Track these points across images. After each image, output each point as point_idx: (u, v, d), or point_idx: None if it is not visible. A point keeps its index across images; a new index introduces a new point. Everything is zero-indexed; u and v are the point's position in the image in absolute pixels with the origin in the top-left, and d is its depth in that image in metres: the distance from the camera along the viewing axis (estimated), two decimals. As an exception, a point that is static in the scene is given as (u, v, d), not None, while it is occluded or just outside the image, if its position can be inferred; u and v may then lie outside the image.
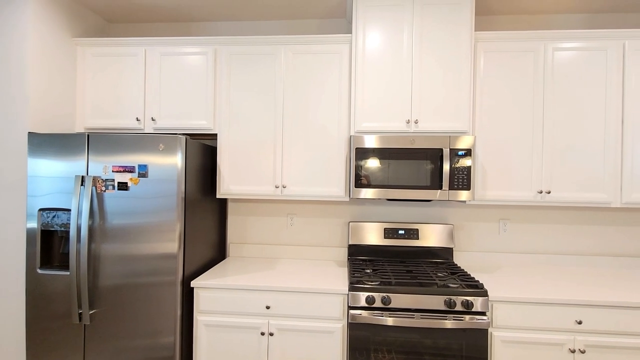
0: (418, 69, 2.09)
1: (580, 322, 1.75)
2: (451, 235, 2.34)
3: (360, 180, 2.05)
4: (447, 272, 2.05)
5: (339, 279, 2.02)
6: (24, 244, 2.00)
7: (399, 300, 1.79)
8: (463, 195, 2.00)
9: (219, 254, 2.46)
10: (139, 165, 1.87)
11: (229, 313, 1.91)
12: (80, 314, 1.87)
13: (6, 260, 2.02)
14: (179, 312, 1.87)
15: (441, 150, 2.01)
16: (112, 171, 1.88)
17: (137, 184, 1.87)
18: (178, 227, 1.87)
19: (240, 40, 2.22)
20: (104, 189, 1.88)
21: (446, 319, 1.75)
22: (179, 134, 1.89)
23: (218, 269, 2.20)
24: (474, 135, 2.10)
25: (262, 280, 1.96)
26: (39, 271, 1.92)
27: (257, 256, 2.54)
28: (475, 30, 2.43)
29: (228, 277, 2.01)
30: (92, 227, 1.89)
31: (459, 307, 1.76)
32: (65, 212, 1.92)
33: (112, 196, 1.88)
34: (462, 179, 2.00)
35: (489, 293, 1.79)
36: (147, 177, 1.87)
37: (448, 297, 1.77)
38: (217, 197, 2.25)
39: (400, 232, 2.36)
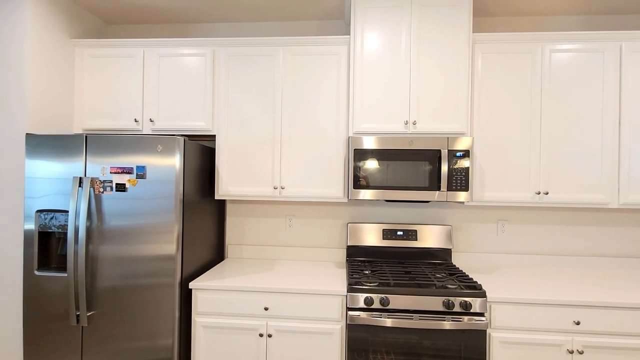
0: (416, 70, 2.09)
1: (578, 323, 1.75)
2: (449, 236, 2.35)
3: (359, 181, 2.05)
4: (445, 273, 2.05)
5: (338, 280, 2.02)
6: (21, 245, 1.99)
7: (398, 301, 1.79)
8: (461, 196, 2.00)
9: (218, 255, 2.46)
10: (137, 167, 1.86)
11: (227, 314, 1.91)
12: (77, 315, 1.87)
13: (3, 261, 2.01)
14: (177, 314, 1.86)
15: (439, 151, 2.02)
16: (110, 172, 1.88)
17: (135, 185, 1.86)
18: (176, 229, 1.87)
19: (239, 41, 2.22)
20: (101, 190, 1.88)
21: (444, 320, 1.75)
22: (178, 135, 1.89)
23: (216, 270, 2.20)
24: (472, 136, 2.10)
25: (260, 282, 1.96)
26: (37, 273, 1.91)
27: (256, 257, 2.54)
28: (473, 32, 2.43)
29: (226, 279, 2.00)
30: (89, 229, 1.88)
31: (457, 308, 1.76)
32: (63, 213, 1.91)
33: (110, 197, 1.88)
34: (460, 180, 2.00)
35: (487, 294, 1.79)
36: (145, 178, 1.86)
37: (446, 298, 1.77)
38: (216, 198, 2.25)
39: (399, 233, 2.36)
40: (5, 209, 2.01)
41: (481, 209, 2.45)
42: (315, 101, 2.19)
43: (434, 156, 2.02)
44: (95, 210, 1.88)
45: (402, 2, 2.09)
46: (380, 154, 2.04)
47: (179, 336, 1.88)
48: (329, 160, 2.19)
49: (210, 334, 1.91)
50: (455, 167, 2.01)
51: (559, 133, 2.10)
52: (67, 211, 1.90)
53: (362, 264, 2.27)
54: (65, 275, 1.90)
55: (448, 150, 2.01)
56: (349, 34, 2.41)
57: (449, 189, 2.01)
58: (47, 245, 1.98)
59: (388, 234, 2.36)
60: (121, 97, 2.28)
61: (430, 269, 2.13)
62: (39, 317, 1.91)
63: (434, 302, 1.78)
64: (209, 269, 2.24)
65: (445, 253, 2.34)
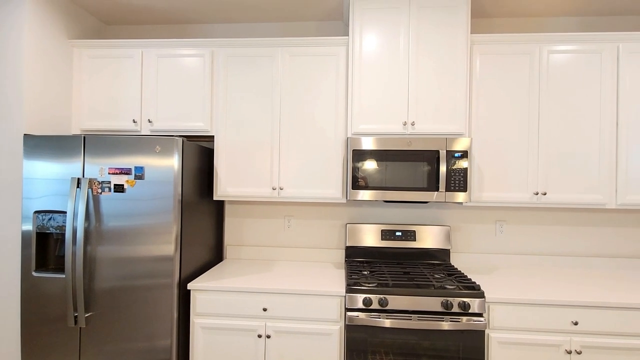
0: (414, 71, 2.10)
1: (576, 323, 1.76)
2: (448, 237, 2.35)
3: (358, 182, 2.06)
4: (444, 274, 2.06)
5: (336, 280, 2.02)
6: (19, 246, 1.99)
7: (396, 301, 1.79)
8: (460, 197, 2.01)
9: (216, 256, 2.46)
10: (136, 167, 1.86)
11: (225, 315, 1.91)
12: (75, 316, 1.86)
13: (1, 262, 2.00)
14: (175, 315, 1.86)
15: (438, 152, 2.02)
16: (109, 173, 1.87)
17: (134, 186, 1.86)
18: (174, 229, 1.86)
19: (237, 42, 2.22)
20: (100, 191, 1.88)
21: (443, 321, 1.75)
22: (176, 136, 1.89)
23: (215, 271, 2.19)
24: (470, 137, 2.11)
25: (259, 283, 1.95)
26: (34, 274, 1.91)
27: (254, 258, 2.53)
28: (471, 33, 2.44)
29: (225, 279, 2.00)
30: (88, 230, 1.88)
31: (455, 309, 1.76)
32: (61, 214, 1.91)
33: (108, 198, 1.87)
34: (458, 181, 2.01)
35: (485, 294, 1.80)
36: (143, 179, 1.86)
37: (445, 298, 1.77)
38: (214, 199, 2.24)
39: (398, 233, 2.36)
40: (3, 209, 2.00)
41: (479, 209, 2.45)
42: (313, 102, 2.20)
43: (432, 157, 2.03)
44: (93, 211, 1.88)
45: (401, 3, 2.10)
46: (378, 155, 2.05)
47: (177, 337, 1.88)
48: (327, 161, 2.19)
49: (209, 335, 1.91)
50: (454, 167, 2.01)
51: (557, 134, 2.11)
52: (65, 212, 1.90)
53: (360, 264, 2.27)
54: (63, 276, 1.89)
55: (446, 150, 2.02)
56: (348, 35, 2.42)
57: (448, 189, 2.01)
58: (45, 246, 1.97)
59: (387, 234, 2.37)
60: (119, 97, 2.27)
61: (429, 270, 2.14)
62: (37, 318, 1.90)
63: (433, 303, 1.78)
64: (207, 270, 2.24)
65: (444, 254, 2.35)
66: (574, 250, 2.40)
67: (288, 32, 2.58)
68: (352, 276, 1.97)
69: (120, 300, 1.87)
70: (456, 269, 2.18)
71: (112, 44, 2.27)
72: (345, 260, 2.39)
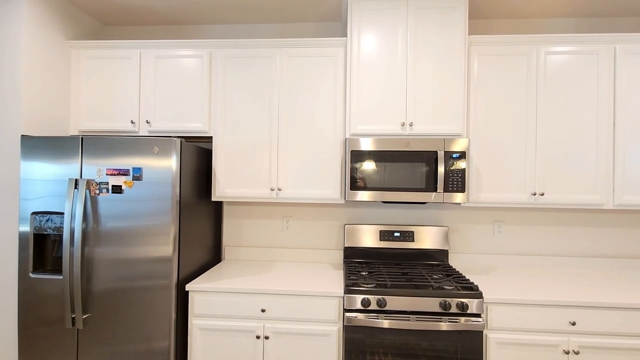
0: (413, 72, 2.10)
1: (574, 324, 1.76)
2: (446, 238, 2.35)
3: (356, 182, 2.06)
4: (442, 274, 2.06)
5: (335, 281, 2.02)
6: (16, 247, 1.98)
7: (395, 302, 1.79)
8: (458, 197, 2.01)
9: (214, 257, 2.45)
10: (134, 168, 1.86)
11: (224, 316, 1.90)
12: (73, 318, 1.86)
13: (-2, 264, 1.99)
14: (173, 316, 1.86)
15: (436, 152, 2.02)
16: (106, 174, 1.87)
17: (132, 187, 1.86)
18: (173, 230, 1.86)
19: (236, 43, 2.22)
20: (97, 192, 1.87)
21: (441, 321, 1.76)
22: (174, 137, 1.89)
23: (213, 272, 2.19)
24: (468, 137, 2.11)
25: (257, 284, 1.95)
26: (32, 275, 1.90)
27: (253, 259, 2.53)
28: (469, 34, 2.45)
29: (223, 280, 2.00)
30: (85, 231, 1.87)
31: (454, 309, 1.77)
32: (59, 215, 1.90)
33: (106, 199, 1.87)
34: (456, 182, 2.01)
35: (483, 295, 1.80)
36: (141, 180, 1.86)
37: (443, 299, 1.78)
38: (213, 200, 2.24)
39: (396, 234, 2.36)
40: (0, 211, 1.99)
41: (477, 210, 2.46)
42: (312, 103, 2.20)
43: (430, 157, 2.03)
44: (91, 212, 1.87)
45: (399, 4, 2.10)
46: (377, 156, 2.05)
47: (175, 339, 1.87)
48: (326, 162, 2.19)
49: (207, 336, 1.90)
50: (452, 168, 2.02)
51: (555, 134, 2.11)
52: (62, 213, 1.89)
53: (359, 265, 2.27)
54: (61, 277, 1.88)
55: (444, 151, 2.02)
56: (346, 36, 2.42)
57: (446, 190, 2.02)
58: (42, 248, 1.96)
59: (385, 235, 2.37)
60: (118, 98, 2.27)
61: (427, 270, 2.14)
62: (34, 320, 1.90)
63: (431, 303, 1.78)
64: (205, 271, 2.23)
65: (442, 254, 2.35)
66: (571, 250, 2.41)
67: (287, 33, 2.59)
68: (351, 277, 1.97)
69: (118, 302, 1.86)
70: (454, 269, 2.18)
71: (110, 44, 2.27)
72: (344, 261, 2.39)
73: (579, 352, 1.75)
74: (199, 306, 1.91)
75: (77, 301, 1.84)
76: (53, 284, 1.89)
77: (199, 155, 2.15)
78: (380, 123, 2.11)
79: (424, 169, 2.03)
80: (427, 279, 1.96)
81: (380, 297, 1.80)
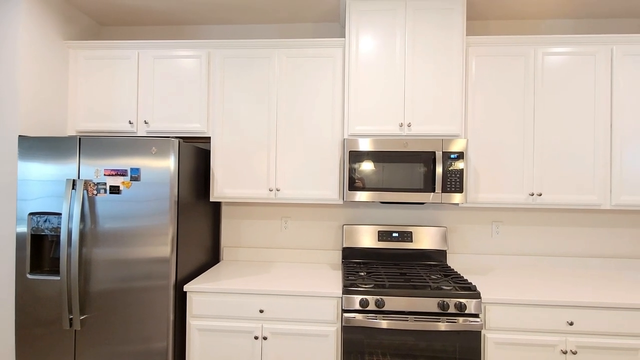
0: (411, 72, 2.11)
1: (571, 324, 1.77)
2: (444, 238, 2.36)
3: (354, 183, 2.06)
4: (440, 275, 2.06)
5: (333, 282, 2.02)
6: (13, 248, 1.97)
7: (393, 303, 1.79)
8: (456, 197, 2.02)
9: (213, 257, 2.45)
10: (132, 169, 1.85)
11: (222, 317, 1.90)
12: (70, 319, 1.85)
13: (-5, 265, 1.99)
14: (171, 317, 1.85)
15: (434, 153, 2.03)
16: (104, 175, 1.86)
17: (130, 188, 1.85)
18: (171, 231, 1.86)
19: (234, 43, 2.22)
20: (95, 192, 1.87)
21: (439, 322, 1.76)
22: (172, 137, 1.89)
23: (211, 272, 2.19)
24: (466, 138, 2.12)
25: (255, 284, 1.95)
26: (29, 276, 1.89)
27: (251, 260, 2.53)
28: (466, 35, 2.45)
29: (221, 281, 2.00)
30: (83, 231, 1.87)
31: (452, 310, 1.77)
32: (56, 216, 1.89)
33: (103, 200, 1.86)
34: (454, 182, 2.02)
35: (481, 295, 1.80)
36: (139, 180, 1.85)
37: (441, 299, 1.78)
38: (211, 200, 2.24)
39: (394, 234, 2.37)
40: (-3, 211, 1.99)
41: (476, 210, 2.46)
42: (310, 103, 2.20)
43: (428, 158, 2.03)
44: (88, 213, 1.87)
45: (397, 5, 2.11)
46: (375, 156, 2.05)
47: (173, 339, 1.87)
48: (324, 162, 2.19)
49: (205, 337, 1.90)
50: (450, 168, 2.02)
51: (552, 135, 2.12)
52: (60, 214, 1.89)
53: (357, 265, 2.27)
54: (58, 278, 1.88)
55: (442, 152, 2.02)
56: (344, 37, 2.43)
57: (444, 190, 2.02)
58: (39, 248, 1.96)
59: (383, 235, 2.37)
60: (115, 98, 2.27)
61: (426, 271, 2.14)
62: (32, 321, 1.89)
63: (429, 304, 1.78)
64: (204, 272, 2.23)
65: (440, 254, 2.35)
66: (569, 250, 2.42)
67: (285, 34, 2.59)
68: (349, 277, 1.97)
69: (115, 303, 1.86)
70: (452, 269, 2.19)
71: (108, 44, 2.26)
72: (342, 262, 2.39)
73: (576, 352, 1.76)
74: (197, 307, 1.91)
75: (75, 302, 1.83)
76: (50, 285, 1.88)
77: (197, 156, 2.15)
78: (378, 123, 2.12)
79: (422, 169, 2.03)
80: (425, 279, 1.96)
81: (378, 297, 1.80)
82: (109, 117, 2.27)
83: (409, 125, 2.10)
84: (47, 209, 1.89)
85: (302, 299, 1.87)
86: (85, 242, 1.87)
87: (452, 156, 2.02)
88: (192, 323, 1.91)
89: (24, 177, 1.90)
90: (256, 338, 1.87)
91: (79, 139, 1.89)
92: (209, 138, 2.32)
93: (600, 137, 2.10)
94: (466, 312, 1.76)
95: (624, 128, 2.09)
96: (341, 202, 2.19)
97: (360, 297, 1.81)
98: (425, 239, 2.36)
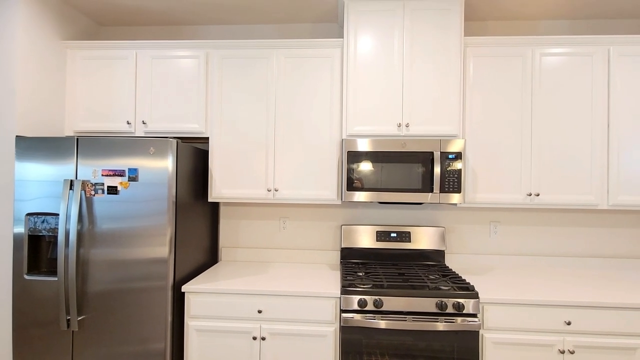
0: (409, 73, 2.11)
1: (569, 323, 1.77)
2: (443, 238, 2.36)
3: (353, 183, 2.06)
4: (438, 275, 2.06)
5: (332, 282, 2.02)
6: (10, 249, 1.96)
7: (391, 303, 1.80)
8: (454, 198, 2.02)
9: (211, 258, 2.45)
10: (129, 169, 1.85)
11: (220, 318, 1.90)
12: (68, 320, 1.84)
13: (-8, 266, 1.98)
14: (169, 318, 1.85)
15: (432, 153, 2.03)
16: (102, 175, 1.86)
17: (127, 188, 1.85)
18: (169, 231, 1.85)
19: (232, 44, 2.22)
20: (93, 193, 1.86)
21: (438, 322, 1.76)
22: (170, 138, 1.88)
23: (209, 273, 2.18)
24: (464, 138, 2.12)
25: (253, 284, 1.95)
26: (26, 277, 1.89)
27: (250, 260, 2.53)
28: (464, 35, 2.46)
29: (219, 282, 1.99)
30: (80, 232, 1.86)
31: (450, 310, 1.77)
32: (54, 216, 1.89)
33: (101, 200, 1.86)
34: (453, 182, 2.02)
35: (479, 295, 1.81)
36: (137, 180, 1.85)
37: (439, 299, 1.78)
38: (209, 200, 2.24)
39: (393, 235, 2.37)
40: (-6, 212, 1.98)
41: (474, 210, 2.46)
42: (309, 103, 2.20)
43: (426, 158, 2.04)
44: (86, 213, 1.86)
45: (395, 6, 2.11)
46: (373, 156, 2.05)
47: (171, 340, 1.86)
48: (322, 163, 2.19)
49: (203, 337, 1.90)
50: (448, 169, 2.02)
51: (550, 135, 2.13)
52: (57, 214, 1.88)
53: (355, 265, 2.27)
54: (56, 279, 1.87)
55: (441, 152, 2.03)
56: (342, 37, 2.43)
57: (442, 190, 2.02)
58: (37, 249, 1.95)
59: (382, 235, 2.37)
60: (113, 99, 2.26)
61: (424, 271, 2.14)
62: (29, 321, 1.88)
63: (427, 304, 1.78)
64: (202, 272, 2.22)
65: (439, 254, 2.36)
66: (567, 250, 2.42)
67: (283, 34, 2.59)
68: (347, 277, 1.97)
69: (113, 303, 1.85)
70: (451, 269, 2.19)
71: (105, 45, 2.26)
72: (341, 262, 2.39)
73: (574, 352, 1.76)
74: (195, 307, 1.90)
75: (72, 303, 1.83)
76: (48, 286, 1.88)
77: (195, 156, 2.15)
78: (376, 124, 2.12)
79: (420, 169, 2.04)
80: (423, 279, 1.96)
81: (376, 297, 1.80)
82: (106, 117, 2.26)
83: (407, 126, 2.11)
84: (44, 210, 1.89)
85: (300, 300, 1.87)
86: (82, 242, 1.86)
87: (450, 156, 2.02)
88: (190, 324, 1.90)
89: (21, 178, 1.89)
90: (254, 338, 1.87)
91: (77, 139, 1.88)
92: (207, 138, 2.31)
93: (598, 137, 2.11)
94: (464, 312, 1.76)
95: (620, 128, 2.10)
96: (339, 202, 2.19)
97: (358, 297, 1.81)
98: (423, 239, 2.36)
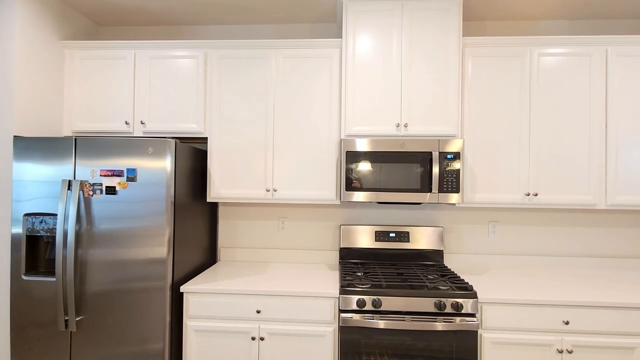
0: (407, 73, 2.11)
1: (567, 323, 1.77)
2: (441, 238, 2.36)
3: (351, 183, 2.06)
4: (437, 275, 2.07)
5: (330, 282, 2.02)
6: (8, 249, 1.96)
7: (390, 303, 1.80)
8: (452, 198, 2.02)
9: (210, 258, 2.44)
10: (128, 169, 1.85)
11: (219, 318, 1.90)
12: (66, 320, 1.84)
13: (-10, 266, 1.97)
14: (168, 318, 1.84)
15: (430, 153, 2.03)
16: (100, 175, 1.86)
17: (126, 188, 1.85)
18: (167, 232, 1.85)
19: (231, 44, 2.22)
20: (91, 193, 1.86)
21: (436, 321, 1.76)
22: (169, 138, 1.88)
23: (208, 273, 2.18)
24: (462, 138, 2.12)
25: (252, 285, 1.95)
26: (24, 277, 1.88)
27: (248, 260, 2.52)
28: (463, 36, 2.46)
29: (218, 282, 1.99)
30: (79, 232, 1.86)
31: (449, 309, 1.77)
32: (52, 217, 1.88)
33: (99, 200, 1.86)
34: (451, 182, 2.02)
35: (478, 295, 1.81)
36: (135, 181, 1.85)
37: (438, 299, 1.78)
38: (208, 200, 2.23)
39: (391, 235, 2.37)
40: (-8, 212, 1.97)
41: (472, 210, 2.47)
42: (307, 104, 2.20)
43: (425, 158, 2.04)
44: (84, 214, 1.86)
45: (393, 6, 2.11)
46: (372, 156, 2.06)
47: (170, 340, 1.86)
48: (321, 163, 2.19)
49: (202, 337, 1.89)
50: (447, 169, 2.03)
51: (548, 135, 2.13)
52: (55, 214, 1.88)
53: (354, 265, 2.27)
54: (54, 279, 1.87)
55: (439, 152, 2.03)
56: (341, 37, 2.43)
57: (441, 190, 2.03)
58: (35, 249, 1.95)
59: (380, 235, 2.37)
60: (112, 99, 2.26)
61: (422, 271, 2.15)
62: (27, 322, 1.88)
63: (426, 304, 1.78)
64: (200, 272, 2.22)
65: (437, 254, 2.36)
66: (565, 250, 2.43)
67: (282, 34, 2.59)
68: (346, 277, 1.97)
69: (111, 304, 1.85)
70: (449, 269, 2.19)
71: (104, 45, 2.25)
72: (340, 262, 2.39)
73: (572, 351, 1.77)
74: (193, 308, 1.90)
75: (70, 303, 1.82)
76: (46, 286, 1.87)
77: (194, 156, 2.15)
78: (375, 124, 2.12)
79: (418, 169, 2.04)
80: (422, 279, 1.96)
81: (375, 297, 1.80)
82: (105, 117, 2.26)
83: (405, 126, 2.11)
84: (42, 210, 1.88)
85: (299, 300, 1.87)
86: (81, 243, 1.86)
87: (449, 156, 2.03)
88: (188, 324, 1.90)
89: (19, 178, 1.89)
90: (253, 339, 1.86)
91: (75, 139, 1.88)
92: (205, 138, 2.31)
93: (596, 137, 2.11)
94: (463, 311, 1.77)
95: (618, 128, 2.10)
96: (338, 202, 2.19)
97: (357, 297, 1.81)
98: (422, 239, 2.36)
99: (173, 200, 1.88)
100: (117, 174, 1.85)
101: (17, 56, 1.99)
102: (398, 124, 2.11)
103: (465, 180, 2.15)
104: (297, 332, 1.86)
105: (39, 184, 1.88)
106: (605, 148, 2.11)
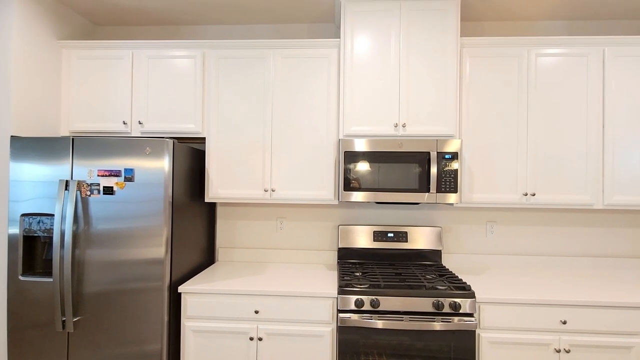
0: (405, 73, 2.11)
1: (565, 322, 1.78)
2: (439, 238, 2.36)
3: (350, 183, 2.06)
4: (435, 275, 2.07)
5: (329, 282, 2.02)
6: (5, 250, 1.95)
7: (388, 303, 1.80)
8: (450, 198, 2.03)
9: (208, 258, 2.44)
10: (125, 169, 1.84)
11: (217, 318, 1.89)
12: (63, 321, 1.83)
13: (-13, 267, 1.96)
14: (165, 318, 1.84)
15: (428, 153, 2.04)
16: (98, 175, 1.85)
17: (123, 188, 1.84)
18: (165, 232, 1.85)
19: (229, 44, 2.21)
20: (89, 193, 1.85)
21: (434, 321, 1.76)
22: (167, 138, 1.88)
23: (206, 273, 2.18)
24: (460, 138, 2.13)
25: (250, 285, 1.94)
26: (21, 278, 1.87)
27: (247, 260, 2.52)
28: (461, 36, 2.47)
29: (216, 282, 1.99)
30: (76, 233, 1.85)
31: (447, 309, 1.77)
32: (49, 217, 1.88)
33: (97, 201, 1.85)
34: (449, 182, 2.03)
35: (476, 295, 1.81)
36: (133, 181, 1.84)
37: (436, 299, 1.78)
38: (206, 201, 2.23)
39: (390, 235, 2.37)
40: (-11, 213, 1.96)
41: (470, 210, 2.47)
42: (305, 104, 2.20)
43: (423, 158, 2.04)
44: (82, 214, 1.85)
45: (392, 6, 2.11)
46: (370, 156, 2.06)
47: (167, 341, 1.86)
48: (319, 163, 2.19)
49: (200, 338, 1.89)
50: (445, 169, 2.03)
51: (545, 135, 2.14)
52: (53, 215, 1.87)
53: (353, 266, 2.27)
54: (51, 280, 1.86)
55: (437, 152, 2.03)
56: (339, 37, 2.43)
57: (439, 190, 2.03)
58: (32, 250, 1.94)
59: (379, 235, 2.37)
60: (109, 99, 2.25)
61: (421, 271, 2.15)
62: (24, 323, 1.87)
63: (424, 304, 1.79)
64: (198, 273, 2.22)
65: (435, 254, 2.36)
66: (563, 250, 2.43)
67: (280, 34, 2.59)
68: (344, 277, 1.97)
69: (109, 304, 1.84)
70: (447, 269, 2.20)
71: (101, 44, 2.25)
72: (338, 262, 2.39)
73: (569, 351, 1.77)
74: (191, 308, 1.90)
75: (68, 304, 1.82)
76: (43, 287, 1.86)
77: (192, 156, 2.14)
78: (373, 124, 2.12)
79: (417, 169, 2.04)
80: (420, 279, 1.96)
81: (373, 297, 1.80)
82: (102, 117, 2.25)
83: (403, 126, 2.11)
84: (39, 210, 1.87)
85: (297, 300, 1.87)
86: (78, 243, 1.85)
87: (447, 156, 2.03)
88: (186, 324, 1.90)
89: (16, 178, 1.88)
90: (251, 339, 1.86)
91: (72, 139, 1.87)
92: (203, 138, 2.31)
93: (593, 138, 2.12)
94: (461, 311, 1.77)
95: (615, 128, 2.11)
96: (336, 202, 2.19)
97: (355, 297, 1.81)
98: (420, 239, 2.36)
99: (171, 200, 1.88)
100: (115, 174, 1.84)
101: (14, 56, 1.99)
102: (396, 124, 2.11)
103: (463, 180, 2.16)
104: (295, 332, 1.86)
105: (36, 184, 1.87)
106: (603, 148, 2.12)
